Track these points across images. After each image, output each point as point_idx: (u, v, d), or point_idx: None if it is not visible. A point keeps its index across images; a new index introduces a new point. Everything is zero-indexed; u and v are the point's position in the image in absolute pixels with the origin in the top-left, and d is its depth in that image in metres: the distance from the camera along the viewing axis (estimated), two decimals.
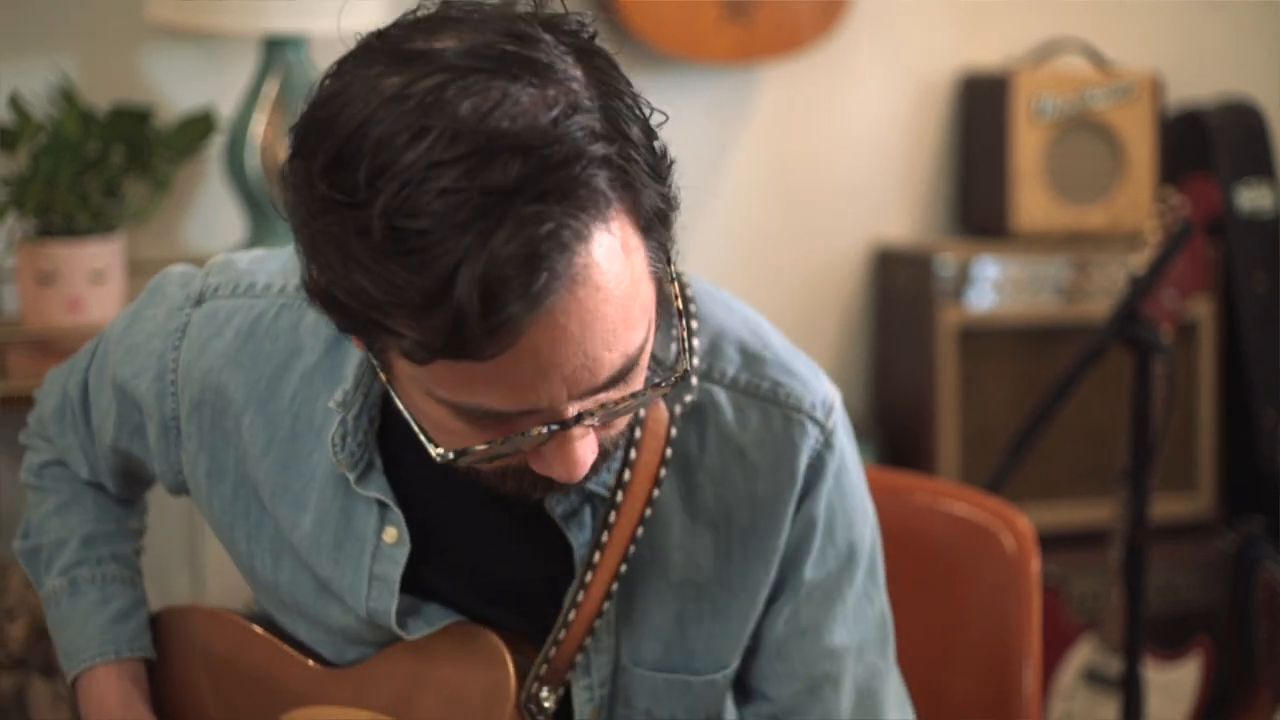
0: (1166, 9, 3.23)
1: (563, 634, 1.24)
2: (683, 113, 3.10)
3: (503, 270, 0.94)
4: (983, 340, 2.91)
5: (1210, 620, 3.00)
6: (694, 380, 1.25)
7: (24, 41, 2.53)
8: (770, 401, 1.26)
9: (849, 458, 1.30)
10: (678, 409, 1.24)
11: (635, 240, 1.02)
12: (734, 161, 3.01)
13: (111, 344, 1.37)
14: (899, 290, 3.02)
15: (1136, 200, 3.01)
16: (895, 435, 3.01)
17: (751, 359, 1.27)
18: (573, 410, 1.03)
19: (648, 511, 1.22)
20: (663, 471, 1.23)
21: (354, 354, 1.24)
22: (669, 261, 1.07)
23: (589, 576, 1.23)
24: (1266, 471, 3.05)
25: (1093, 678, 2.77)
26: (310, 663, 1.35)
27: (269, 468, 1.28)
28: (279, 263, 1.33)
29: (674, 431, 1.23)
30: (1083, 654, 2.79)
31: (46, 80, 2.35)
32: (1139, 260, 2.47)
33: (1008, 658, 1.65)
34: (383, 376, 1.07)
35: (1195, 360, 3.02)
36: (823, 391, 1.28)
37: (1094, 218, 3.01)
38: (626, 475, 1.22)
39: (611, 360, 1.02)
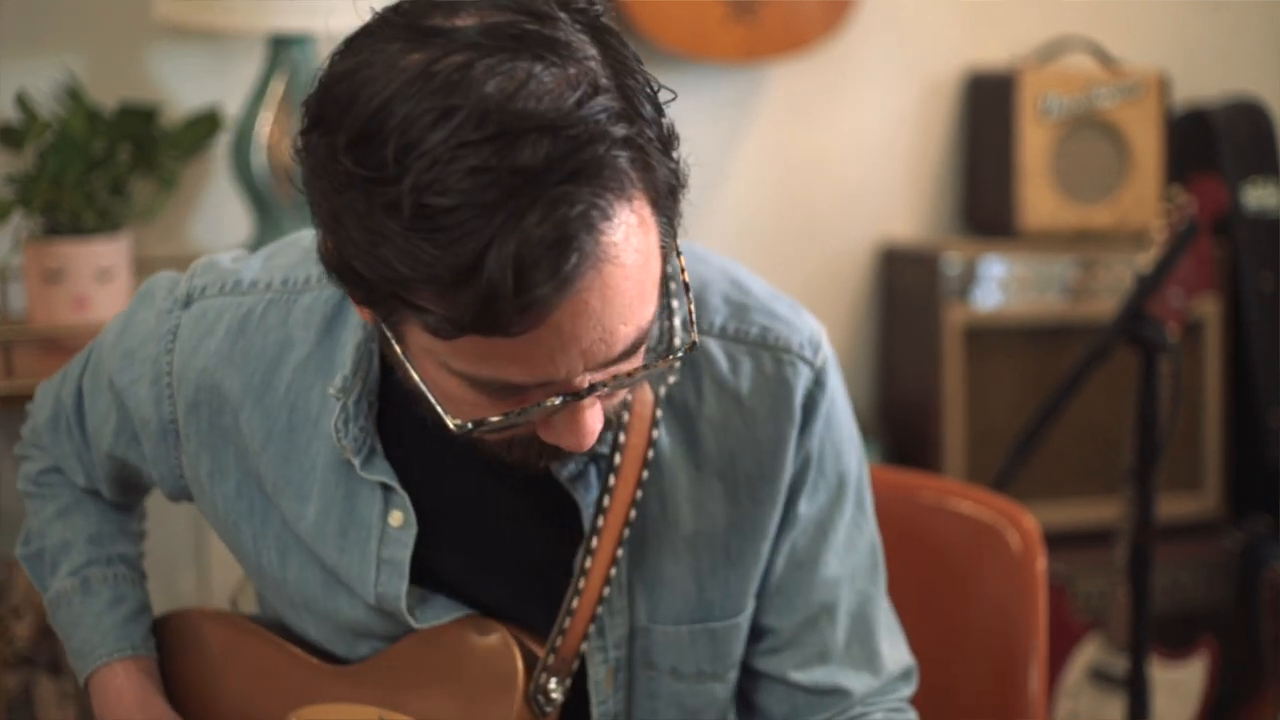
0: (1173, 8, 3.23)
1: (575, 603, 1.25)
2: (688, 111, 3.08)
3: (535, 251, 0.96)
4: (988, 339, 2.91)
5: (1216, 619, 3.00)
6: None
7: (31, 40, 2.53)
8: (760, 345, 1.29)
9: (839, 392, 1.33)
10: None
11: (651, 218, 1.04)
12: (739, 160, 3.01)
13: (106, 350, 1.37)
14: (905, 289, 3.02)
15: (1143, 199, 3.01)
16: (901, 434, 3.01)
17: (736, 307, 1.30)
18: (586, 381, 1.05)
19: (645, 470, 1.25)
20: (655, 432, 1.25)
21: (348, 341, 1.25)
22: (674, 236, 1.09)
23: (595, 542, 1.25)
24: (1273, 470, 3.05)
25: (1099, 677, 2.77)
26: (316, 660, 1.35)
27: (269, 461, 1.29)
28: (261, 260, 1.34)
29: (664, 388, 1.27)
30: (1088, 653, 2.79)
31: (53, 79, 2.35)
32: (1145, 259, 2.47)
33: (1013, 656, 1.64)
34: (397, 349, 1.08)
35: (1201, 359, 3.01)
36: (808, 330, 1.31)
37: (1100, 217, 3.01)
38: (621, 435, 1.24)
39: (626, 334, 1.04)
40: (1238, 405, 3.08)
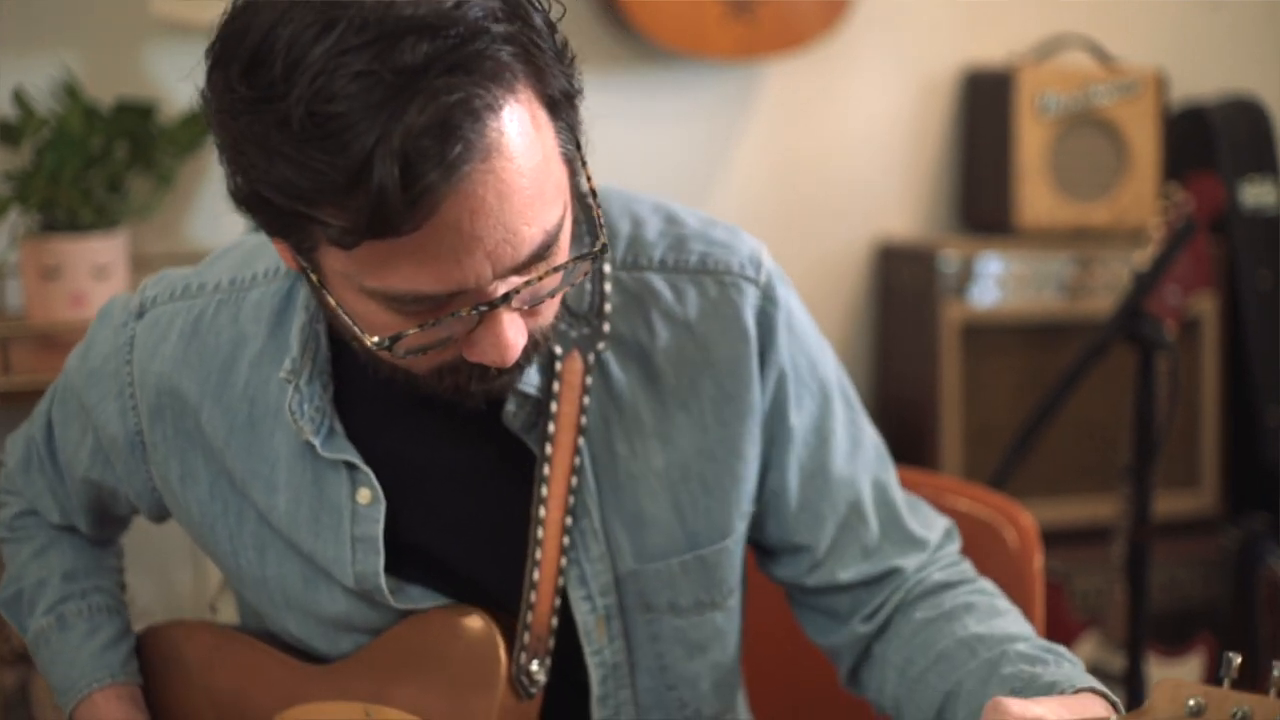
0: (1171, 6, 3.23)
1: (535, 575, 1.27)
2: (686, 109, 3.11)
3: (418, 141, 0.98)
4: (986, 336, 2.91)
5: (1213, 617, 3.00)
6: (614, 262, 1.29)
7: (29, 37, 2.53)
8: (701, 272, 1.32)
9: (793, 303, 1.35)
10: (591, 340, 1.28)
11: (544, 117, 1.06)
12: (737, 158, 3.01)
13: (72, 374, 1.39)
14: (902, 286, 3.02)
15: (1140, 197, 3.01)
16: (898, 431, 3.01)
17: (673, 239, 1.32)
18: (498, 289, 1.07)
19: (581, 436, 1.26)
20: (588, 380, 1.27)
21: (295, 326, 1.27)
22: (578, 146, 1.11)
23: (542, 511, 1.26)
24: (1270, 468, 3.05)
25: (1096, 674, 2.76)
26: (299, 661, 1.36)
27: (234, 457, 1.30)
28: (207, 264, 1.36)
29: (598, 352, 1.28)
30: (1086, 650, 2.79)
31: (51, 76, 2.35)
32: (1142, 257, 2.47)
33: None
34: (314, 279, 1.10)
35: (1198, 357, 3.01)
36: (747, 249, 1.34)
37: (1097, 214, 3.01)
38: (554, 404, 1.26)
39: (531, 235, 1.06)
40: (1235, 403, 3.09)
